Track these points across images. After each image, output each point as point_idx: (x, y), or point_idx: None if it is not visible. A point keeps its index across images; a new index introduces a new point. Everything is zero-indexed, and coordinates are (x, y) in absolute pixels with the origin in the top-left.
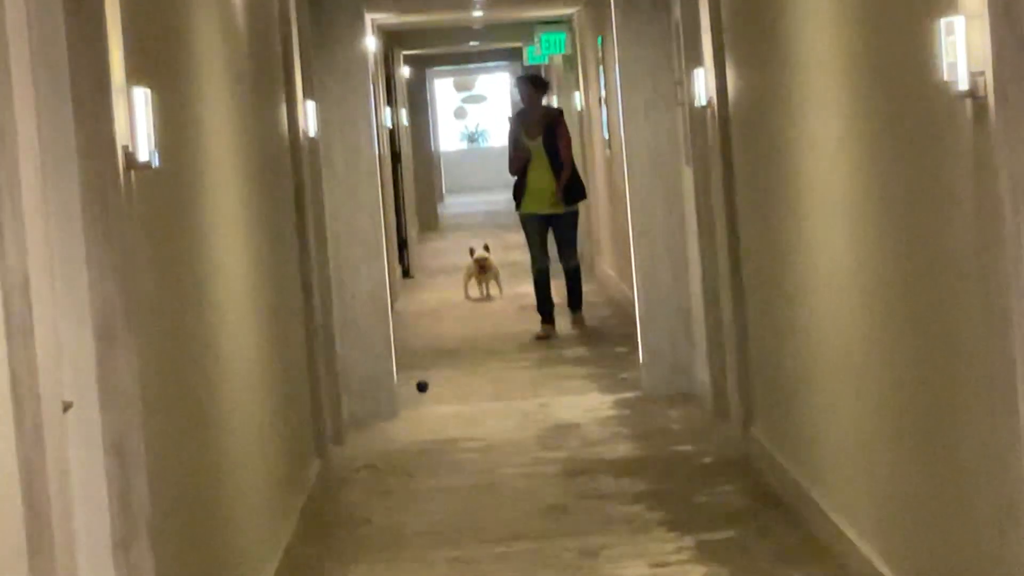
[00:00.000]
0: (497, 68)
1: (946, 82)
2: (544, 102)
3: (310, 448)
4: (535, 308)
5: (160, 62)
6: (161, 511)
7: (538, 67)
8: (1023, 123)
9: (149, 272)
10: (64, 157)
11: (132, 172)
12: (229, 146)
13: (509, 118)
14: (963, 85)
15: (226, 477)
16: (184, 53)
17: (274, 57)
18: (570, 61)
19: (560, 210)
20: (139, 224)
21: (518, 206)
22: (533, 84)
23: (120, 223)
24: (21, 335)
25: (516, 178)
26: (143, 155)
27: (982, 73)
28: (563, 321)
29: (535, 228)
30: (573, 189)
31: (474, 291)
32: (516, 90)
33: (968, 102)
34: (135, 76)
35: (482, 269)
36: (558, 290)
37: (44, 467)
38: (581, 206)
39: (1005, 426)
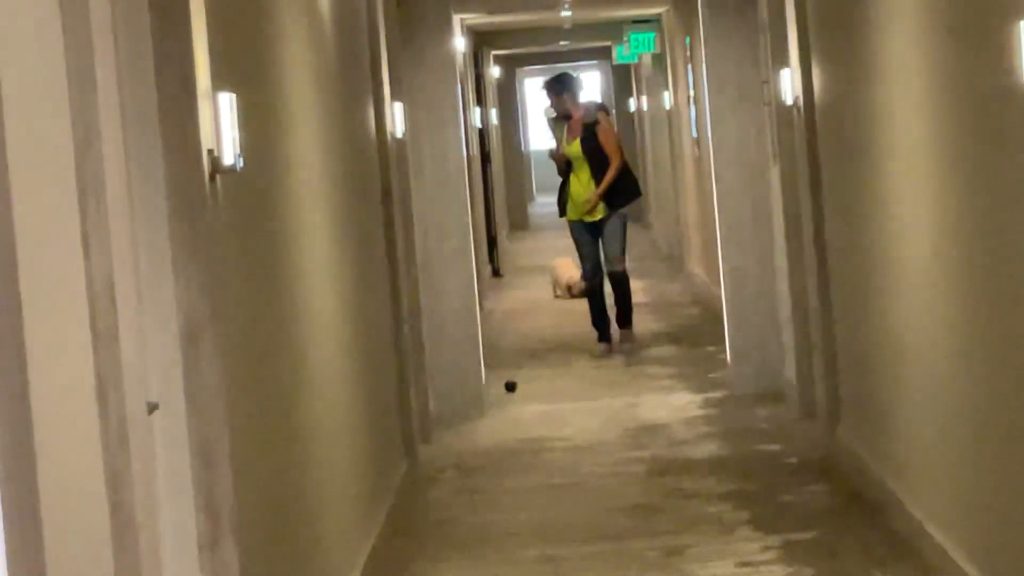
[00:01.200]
0: (588, 67)
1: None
2: (581, 99)
3: (398, 448)
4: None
5: (246, 66)
6: (246, 512)
7: (627, 66)
8: None
9: (235, 275)
10: (150, 161)
11: (217, 176)
12: (316, 148)
13: (548, 120)
14: None
15: (312, 477)
16: (270, 56)
17: (362, 59)
18: (659, 60)
19: (601, 215)
20: (225, 227)
21: (562, 213)
22: (551, 88)
23: (205, 226)
24: (106, 337)
25: (560, 184)
26: (228, 159)
27: None
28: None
29: (582, 236)
30: (619, 191)
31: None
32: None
33: None
34: (220, 80)
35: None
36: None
37: (129, 467)
38: (667, 205)
39: None
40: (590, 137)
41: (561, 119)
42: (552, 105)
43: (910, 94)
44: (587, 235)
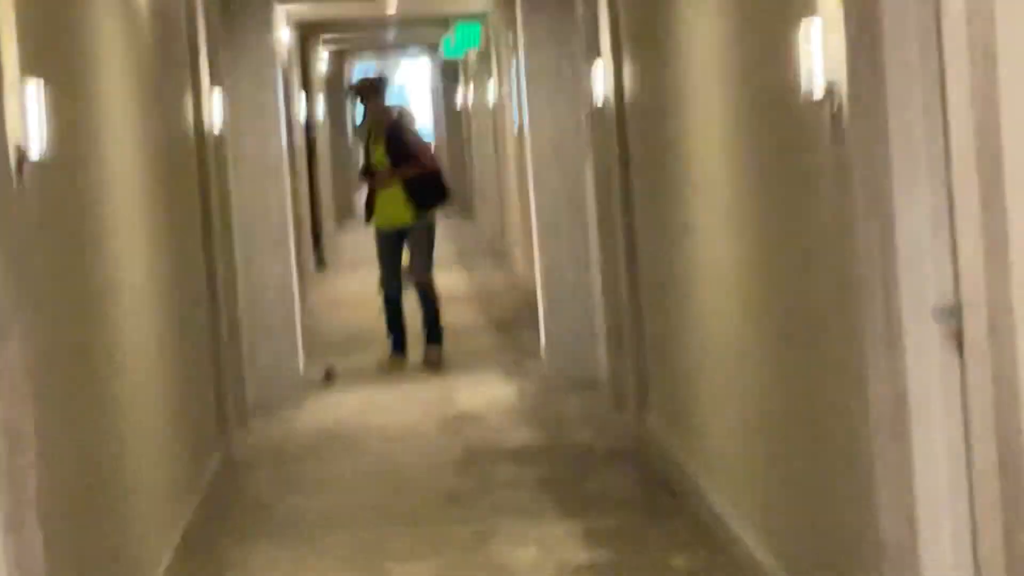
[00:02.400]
0: (417, 60)
1: (805, 86)
2: (384, 103)
3: (213, 434)
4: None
5: (55, 54)
6: (53, 496)
7: (455, 60)
8: (874, 125)
9: (45, 265)
10: None
11: (24, 167)
12: (130, 139)
13: (356, 128)
14: (819, 89)
15: (124, 463)
16: (81, 45)
17: (180, 49)
18: (484, 55)
19: (409, 221)
20: (33, 218)
21: (368, 218)
22: (356, 93)
23: (10, 218)
24: None
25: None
26: (35, 151)
27: (836, 80)
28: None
29: (384, 243)
30: (429, 192)
31: None
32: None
33: (825, 105)
34: (28, 69)
35: None
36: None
37: None
38: (492, 197)
39: (859, 417)
40: (396, 141)
41: (369, 125)
42: (364, 111)
43: (708, 93)
44: (391, 243)
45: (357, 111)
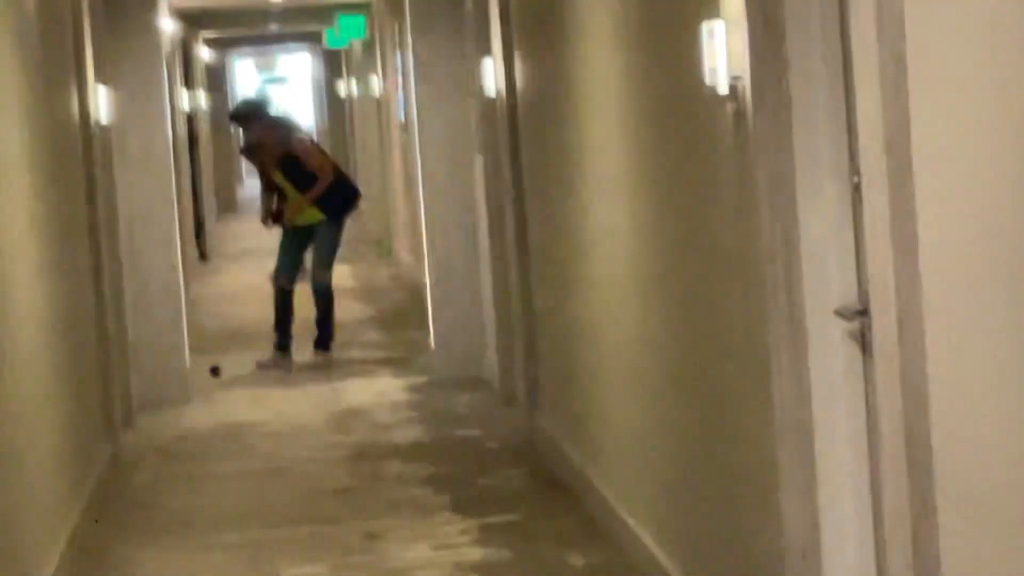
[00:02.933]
0: (299, 49)
1: (709, 85)
2: (270, 117)
3: (99, 432)
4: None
5: None
6: None
7: (338, 51)
8: (778, 126)
9: None
10: None
11: None
12: (14, 134)
13: (242, 150)
14: (723, 89)
15: (8, 462)
16: None
17: (64, 41)
18: (369, 46)
19: (314, 220)
20: None
21: (276, 221)
22: (237, 120)
23: None
24: None
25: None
26: None
27: (740, 77)
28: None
29: (287, 237)
30: (338, 202)
31: None
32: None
33: (729, 105)
34: None
35: None
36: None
37: None
38: (376, 190)
39: (761, 417)
40: (292, 164)
41: (255, 148)
42: (244, 139)
43: (605, 90)
44: (297, 237)
45: (240, 134)
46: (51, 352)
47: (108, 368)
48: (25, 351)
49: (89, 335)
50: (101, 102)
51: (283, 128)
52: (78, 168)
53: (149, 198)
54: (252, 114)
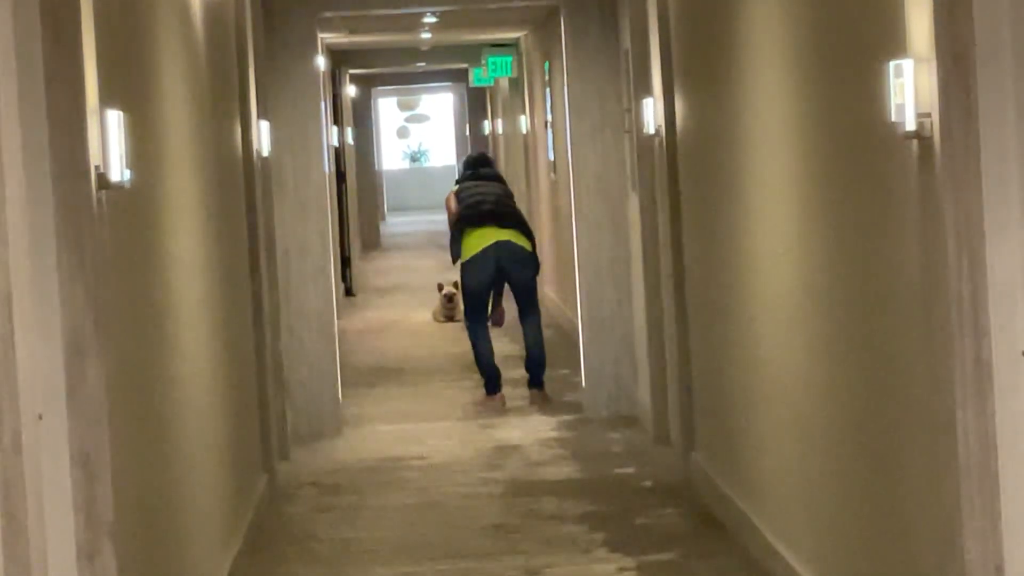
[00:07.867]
0: (441, 88)
1: (893, 123)
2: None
3: (258, 464)
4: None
5: (130, 84)
6: (123, 522)
7: (483, 89)
8: (967, 164)
9: (118, 289)
10: (39, 177)
11: (104, 192)
12: (191, 166)
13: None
14: (910, 126)
15: (181, 491)
16: (151, 75)
17: (230, 78)
18: (516, 84)
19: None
20: (109, 242)
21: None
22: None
23: (91, 241)
24: (3, 348)
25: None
26: (115, 175)
27: (928, 115)
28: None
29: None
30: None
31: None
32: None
33: (914, 143)
34: (107, 98)
35: (450, 301)
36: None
37: (22, 476)
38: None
39: (944, 459)
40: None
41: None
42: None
43: (775, 126)
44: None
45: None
46: (219, 382)
47: (266, 399)
48: (198, 380)
49: (249, 367)
50: (264, 137)
51: (494, 175)
52: (240, 200)
53: (304, 231)
54: (481, 162)
